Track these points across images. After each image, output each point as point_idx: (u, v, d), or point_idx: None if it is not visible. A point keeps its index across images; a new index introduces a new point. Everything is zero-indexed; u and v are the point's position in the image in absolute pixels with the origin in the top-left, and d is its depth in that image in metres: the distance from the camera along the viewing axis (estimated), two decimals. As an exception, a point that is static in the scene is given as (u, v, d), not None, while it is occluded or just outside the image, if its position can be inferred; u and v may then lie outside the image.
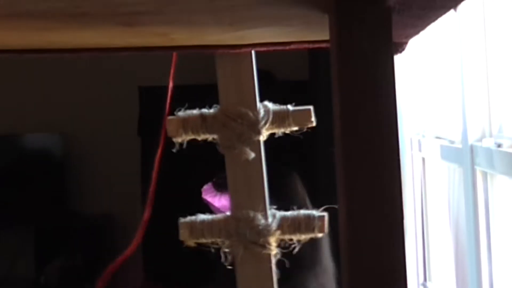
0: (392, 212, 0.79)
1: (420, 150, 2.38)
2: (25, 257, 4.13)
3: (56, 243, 4.09)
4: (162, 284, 3.54)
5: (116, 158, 4.15)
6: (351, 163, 0.81)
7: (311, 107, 1.02)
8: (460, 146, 1.80)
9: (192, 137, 1.03)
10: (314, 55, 3.82)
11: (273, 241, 1.00)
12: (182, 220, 1.03)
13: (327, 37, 0.87)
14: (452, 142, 1.95)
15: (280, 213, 1.02)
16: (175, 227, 1.14)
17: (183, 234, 1.01)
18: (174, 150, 1.03)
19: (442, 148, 2.05)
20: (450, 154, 1.97)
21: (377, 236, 0.79)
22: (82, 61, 4.07)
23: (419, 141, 2.39)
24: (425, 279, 2.49)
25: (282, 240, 1.01)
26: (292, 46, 0.97)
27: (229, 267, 1.02)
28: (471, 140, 1.69)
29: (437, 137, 2.19)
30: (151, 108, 3.32)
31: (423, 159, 2.39)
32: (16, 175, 4.14)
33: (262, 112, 1.01)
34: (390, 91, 0.85)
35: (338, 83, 0.86)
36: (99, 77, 4.20)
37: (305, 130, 1.04)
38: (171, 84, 1.06)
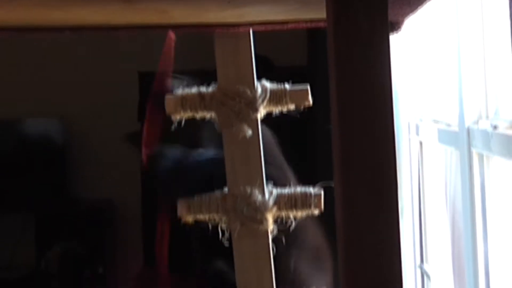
0: (386, 186, 0.81)
1: (417, 134, 2.40)
2: (25, 243, 4.14)
3: (56, 229, 4.11)
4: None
5: (116, 144, 4.16)
6: (347, 140, 0.82)
7: (307, 86, 1.04)
8: (457, 129, 1.82)
9: (190, 115, 1.04)
10: (313, 41, 3.83)
11: (270, 217, 1.01)
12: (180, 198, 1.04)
13: (324, 16, 0.88)
14: (449, 125, 1.97)
15: (277, 190, 1.03)
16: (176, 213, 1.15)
17: (181, 211, 1.03)
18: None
19: (439, 131, 2.07)
20: (447, 137, 1.99)
21: (372, 210, 0.81)
22: (82, 47, 4.08)
23: (416, 125, 2.41)
24: (422, 261, 2.51)
25: (278, 216, 1.03)
26: (290, 25, 0.99)
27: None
28: (467, 123, 1.71)
29: (435, 121, 2.21)
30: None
31: (421, 143, 2.41)
32: (16, 161, 4.16)
33: (259, 90, 1.02)
34: (386, 69, 0.86)
35: (334, 61, 0.88)
36: (99, 62, 4.21)
37: (302, 109, 1.05)
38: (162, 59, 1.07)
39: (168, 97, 1.05)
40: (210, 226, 1.04)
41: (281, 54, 3.82)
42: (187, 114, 1.04)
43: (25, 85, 4.23)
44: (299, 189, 1.03)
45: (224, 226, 1.03)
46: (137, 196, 4.02)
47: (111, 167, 4.20)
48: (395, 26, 0.96)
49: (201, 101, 1.03)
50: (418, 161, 2.43)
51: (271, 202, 1.01)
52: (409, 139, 2.51)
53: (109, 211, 4.20)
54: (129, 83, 3.98)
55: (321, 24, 0.98)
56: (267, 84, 1.03)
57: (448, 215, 2.25)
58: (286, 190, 1.03)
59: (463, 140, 1.73)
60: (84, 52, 4.14)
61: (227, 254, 1.05)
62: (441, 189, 2.28)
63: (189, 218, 1.03)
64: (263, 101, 1.02)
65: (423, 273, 2.48)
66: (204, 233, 1.08)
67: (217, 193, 1.04)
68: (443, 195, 2.26)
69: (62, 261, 4.03)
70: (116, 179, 4.18)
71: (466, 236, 1.80)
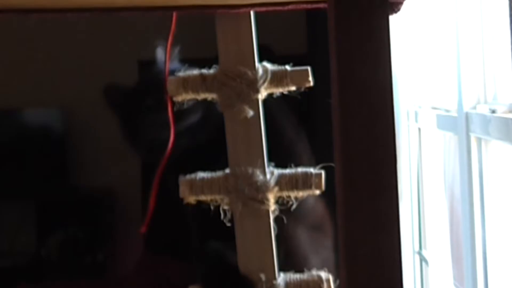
0: (385, 155, 0.82)
1: (416, 121, 2.41)
2: (26, 230, 4.16)
3: (56, 217, 4.12)
4: (163, 255, 3.57)
5: (116, 132, 4.16)
6: (347, 117, 0.83)
7: (308, 68, 1.05)
8: (455, 114, 1.83)
9: (192, 96, 1.05)
10: (313, 29, 3.83)
11: (271, 197, 1.02)
12: (182, 178, 1.05)
13: (325, -3, 0.89)
14: (448, 111, 1.98)
15: (278, 171, 1.04)
16: (175, 198, 1.16)
17: (184, 192, 1.04)
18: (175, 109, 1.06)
19: (438, 117, 2.07)
20: (445, 123, 2.00)
21: (372, 188, 0.82)
22: (82, 36, 4.09)
23: (415, 112, 2.42)
24: (420, 247, 2.52)
25: (280, 197, 1.04)
26: (291, 6, 0.99)
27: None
28: (466, 108, 1.72)
29: (434, 108, 2.22)
30: (150, 81, 3.34)
31: (419, 130, 2.42)
32: (16, 150, 4.16)
33: (260, 71, 1.03)
34: (385, 48, 0.87)
35: (334, 41, 0.88)
36: (98, 51, 4.21)
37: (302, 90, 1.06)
38: (170, 42, 1.08)
39: (170, 78, 1.06)
40: (212, 207, 1.05)
41: (281, 43, 3.82)
42: (189, 96, 1.05)
43: (25, 75, 4.23)
44: (300, 169, 1.04)
45: (226, 206, 1.03)
46: (137, 183, 4.04)
47: (111, 155, 4.21)
48: (394, 7, 0.97)
49: (203, 82, 1.04)
50: (417, 148, 2.44)
51: (272, 182, 1.02)
52: (408, 126, 2.52)
53: (108, 198, 4.21)
54: (129, 71, 3.98)
55: (321, 5, 0.98)
56: (268, 66, 1.04)
57: (446, 201, 2.26)
58: (287, 171, 1.04)
59: (461, 125, 1.74)
60: (84, 41, 4.14)
61: (223, 235, 1.05)
62: (439, 175, 2.29)
63: (191, 199, 1.04)
64: (264, 82, 1.03)
65: (422, 259, 2.49)
66: (200, 215, 1.09)
67: (219, 173, 1.05)
68: (441, 181, 2.28)
69: (62, 248, 4.04)
70: (116, 167, 4.18)
71: (464, 221, 1.81)
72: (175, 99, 1.06)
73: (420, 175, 2.45)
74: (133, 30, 3.86)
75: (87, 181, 4.26)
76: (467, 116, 1.71)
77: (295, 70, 1.04)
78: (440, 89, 2.19)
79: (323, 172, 1.04)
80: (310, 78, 1.04)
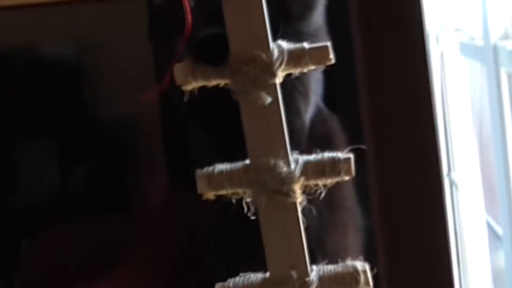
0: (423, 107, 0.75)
1: (437, 43, 2.30)
2: (49, 166, 4.14)
3: (79, 150, 4.09)
4: (186, 187, 3.55)
5: (130, 65, 4.09)
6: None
7: (328, 44, 0.96)
8: (481, 43, 1.73)
9: (203, 84, 0.97)
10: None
11: (297, 188, 0.95)
12: (199, 171, 0.98)
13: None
14: (473, 39, 1.87)
15: (303, 158, 0.97)
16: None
17: (201, 187, 0.97)
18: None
19: (462, 44, 1.97)
20: (471, 51, 1.90)
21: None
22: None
23: (436, 34, 2.30)
24: (449, 170, 2.47)
25: (306, 186, 0.96)
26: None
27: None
28: (494, 39, 1.62)
29: (457, 29, 2.11)
30: (161, 14, 3.23)
31: (442, 54, 2.31)
32: (33, 86, 4.11)
33: (276, 53, 0.94)
34: None
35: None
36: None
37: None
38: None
39: (177, 65, 0.97)
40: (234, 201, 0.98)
41: None
42: (199, 84, 0.97)
43: (39, 13, 4.14)
44: (327, 155, 0.97)
45: (248, 200, 0.96)
46: (154, 113, 3.99)
47: (128, 88, 4.14)
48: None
49: (213, 68, 0.96)
50: (440, 72, 2.34)
51: (297, 172, 0.95)
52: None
53: (128, 129, 4.18)
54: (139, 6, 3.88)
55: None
56: (284, 45, 0.95)
57: (474, 126, 2.19)
58: (313, 157, 0.97)
59: (489, 57, 1.64)
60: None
61: None
62: (465, 100, 2.20)
63: (210, 194, 0.97)
64: (280, 64, 0.94)
65: (451, 183, 2.44)
66: None
67: (239, 165, 0.98)
68: (467, 106, 2.20)
69: (87, 180, 4.03)
70: (133, 98, 4.12)
71: (497, 155, 1.74)
72: (184, 88, 0.97)
73: (446, 98, 2.36)
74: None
75: (105, 113, 4.22)
76: (495, 48, 1.61)
77: (314, 48, 0.95)
78: (463, 11, 2.08)
79: (352, 157, 0.96)
80: (331, 55, 0.95)
